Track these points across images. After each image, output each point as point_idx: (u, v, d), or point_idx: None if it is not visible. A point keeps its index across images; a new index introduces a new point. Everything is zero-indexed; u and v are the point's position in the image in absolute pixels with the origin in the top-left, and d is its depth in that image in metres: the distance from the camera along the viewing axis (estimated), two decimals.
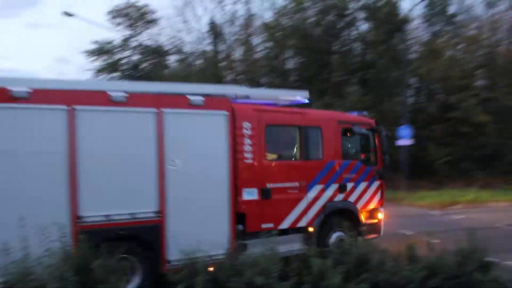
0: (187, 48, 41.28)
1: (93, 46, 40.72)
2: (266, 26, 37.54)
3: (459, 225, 18.49)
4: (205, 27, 40.21)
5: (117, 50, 40.70)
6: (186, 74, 38.50)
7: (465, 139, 34.90)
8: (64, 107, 9.11)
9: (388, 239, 12.70)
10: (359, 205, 12.99)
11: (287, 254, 10.90)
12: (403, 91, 33.24)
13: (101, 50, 40.55)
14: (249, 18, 38.68)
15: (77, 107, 9.22)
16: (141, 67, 40.27)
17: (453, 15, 42.40)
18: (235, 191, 10.90)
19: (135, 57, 41.03)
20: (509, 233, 17.82)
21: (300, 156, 12.18)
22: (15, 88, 8.76)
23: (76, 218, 9.15)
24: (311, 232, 12.10)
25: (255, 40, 38.86)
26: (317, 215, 12.25)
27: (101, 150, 9.41)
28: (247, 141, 11.25)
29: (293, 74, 37.13)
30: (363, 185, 13.10)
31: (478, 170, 33.79)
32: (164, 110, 10.04)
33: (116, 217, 9.52)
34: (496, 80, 39.84)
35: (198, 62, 40.98)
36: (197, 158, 10.40)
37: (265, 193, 11.39)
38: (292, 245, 11.62)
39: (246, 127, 11.25)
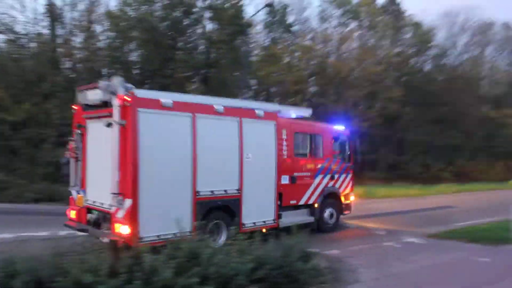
0: (19, 28, 38.80)
1: None
2: (110, 15, 36.67)
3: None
4: (42, 8, 38.08)
5: None
6: (18, 56, 36.28)
7: None
8: (190, 114, 12.95)
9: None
10: (340, 190, 18.53)
11: (302, 222, 15.06)
12: (243, 92, 34.32)
13: None
14: (92, 4, 37.51)
15: (197, 114, 13.12)
16: None
17: (291, 25, 44.64)
18: (278, 177, 15.40)
19: None
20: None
21: (310, 154, 17.46)
22: (164, 100, 12.48)
23: (195, 193, 13.01)
24: (316, 207, 17.45)
25: (98, 28, 37.77)
26: (319, 196, 17.59)
27: (208, 145, 13.23)
28: (284, 143, 16.30)
29: (136, 67, 36.69)
30: (343, 176, 18.62)
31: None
32: (243, 119, 14.35)
33: (217, 192, 13.59)
34: (325, 88, 42.61)
35: (32, 45, 38.76)
36: (258, 154, 14.74)
37: (293, 179, 16.56)
38: (305, 216, 17.05)
39: (284, 133, 16.30)
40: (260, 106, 15.28)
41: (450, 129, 48.99)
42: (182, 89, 35.51)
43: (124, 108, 11.81)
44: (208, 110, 13.52)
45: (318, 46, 43.74)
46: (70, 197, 14.04)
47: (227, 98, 15.59)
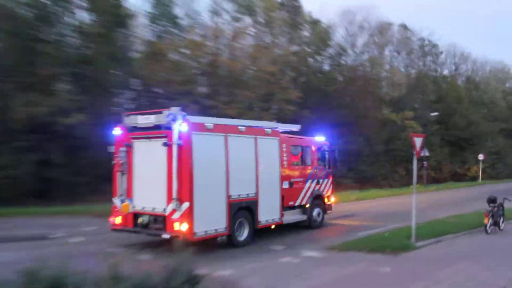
0: None
1: None
2: None
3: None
4: None
5: None
6: None
7: None
8: (223, 134, 16.74)
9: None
10: (324, 193, 22.37)
11: (299, 220, 20.72)
12: (122, 93, 29.93)
13: None
14: None
15: (228, 134, 16.88)
16: None
17: (177, 18, 40.48)
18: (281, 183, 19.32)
19: None
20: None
21: (302, 163, 21.31)
22: (207, 124, 16.25)
23: (228, 196, 16.72)
24: (307, 208, 21.22)
25: None
26: (309, 197, 21.38)
27: (235, 158, 16.99)
28: (284, 155, 19.75)
29: None
30: (325, 181, 22.52)
31: None
32: (257, 136, 18.17)
33: (242, 196, 17.27)
34: (216, 89, 38.86)
35: None
36: (268, 164, 18.52)
37: (291, 184, 20.21)
38: (300, 215, 20.93)
39: (284, 147, 19.74)
40: (266, 125, 19.15)
41: (351, 133, 46.50)
42: (47, 89, 30.50)
43: (181, 132, 15.58)
44: (235, 130, 17.33)
45: (208, 43, 39.79)
46: (113, 205, 16.98)
47: (245, 120, 19.77)
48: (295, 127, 20.98)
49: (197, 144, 15.58)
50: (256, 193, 17.88)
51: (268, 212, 18.50)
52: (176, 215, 15.35)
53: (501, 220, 20.34)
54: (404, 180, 50.07)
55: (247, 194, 17.53)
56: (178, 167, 15.31)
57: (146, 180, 16.36)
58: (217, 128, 16.47)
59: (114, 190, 17.02)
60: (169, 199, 15.47)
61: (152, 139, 16.18)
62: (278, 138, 19.23)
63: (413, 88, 62.16)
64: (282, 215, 19.20)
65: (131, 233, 16.64)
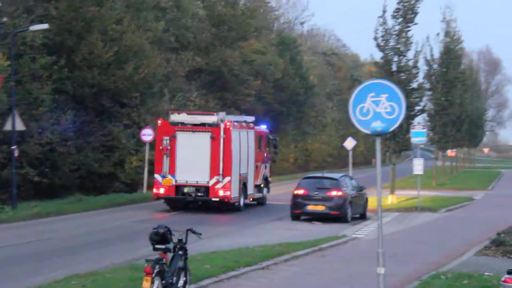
0: None
1: None
2: None
3: None
4: None
5: None
6: None
7: None
8: (239, 129, 26.79)
9: None
10: (268, 175, 30.20)
11: (259, 196, 28.70)
12: None
13: None
14: None
15: (240, 129, 26.84)
16: None
17: None
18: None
19: None
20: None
21: (259, 149, 28.70)
22: (235, 122, 26.77)
23: (240, 174, 26.39)
24: (262, 187, 29.03)
25: None
26: (263, 179, 29.08)
27: (244, 146, 26.62)
28: (255, 142, 28.01)
29: None
30: (268, 165, 30.21)
31: None
32: (248, 130, 27.62)
33: (243, 174, 26.73)
34: None
35: None
36: (250, 150, 27.17)
37: (256, 167, 28.05)
38: (260, 193, 28.81)
39: (255, 136, 28.06)
40: (248, 120, 28.65)
41: None
42: None
43: (225, 129, 25.07)
44: (243, 125, 27.50)
45: None
46: (155, 180, 25.61)
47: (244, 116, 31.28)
48: (251, 119, 29.14)
49: (233, 137, 25.63)
50: (247, 173, 27.18)
51: (251, 188, 27.65)
52: (219, 186, 25.02)
53: (183, 282, 10.93)
54: None
55: (245, 173, 26.97)
56: (223, 153, 24.95)
57: (190, 161, 25.02)
58: (238, 126, 26.84)
59: (156, 168, 25.92)
60: (213, 174, 24.94)
61: (197, 132, 25.30)
62: (253, 130, 28.42)
63: None
64: (253, 192, 28.16)
65: (173, 201, 25.91)
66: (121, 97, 32.66)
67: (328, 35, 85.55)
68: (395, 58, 30.64)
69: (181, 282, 10.68)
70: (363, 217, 26.22)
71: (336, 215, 24.35)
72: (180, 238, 10.63)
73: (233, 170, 25.07)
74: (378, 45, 30.41)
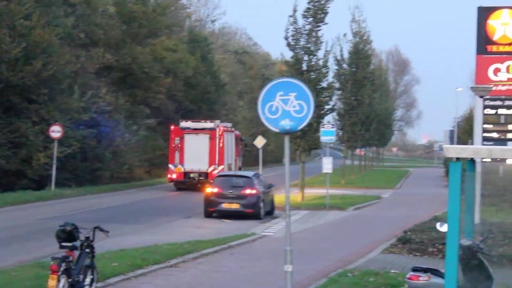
0: None
1: None
2: None
3: None
4: None
5: None
6: None
7: None
8: (229, 132, 39.99)
9: None
10: (240, 164, 42.97)
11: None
12: None
13: None
14: None
15: (227, 133, 38.83)
16: None
17: None
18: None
19: None
20: None
21: (236, 147, 41.24)
22: (226, 128, 39.07)
23: (228, 165, 39.46)
24: None
25: None
26: (238, 167, 41.61)
27: (230, 145, 39.52)
28: (235, 143, 41.08)
29: None
30: (241, 158, 43.18)
31: None
32: (230, 133, 39.66)
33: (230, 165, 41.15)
34: None
35: None
36: (233, 149, 40.21)
37: (235, 159, 40.71)
38: None
39: (235, 139, 40.93)
40: (229, 125, 40.67)
41: None
42: None
43: (219, 132, 36.75)
44: (229, 130, 39.08)
45: None
46: (169, 168, 36.95)
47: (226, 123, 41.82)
48: (230, 124, 41.47)
49: (225, 138, 36.98)
50: (231, 163, 38.99)
51: None
52: (215, 172, 34.63)
53: (90, 280, 11.05)
54: None
55: (230, 163, 38.76)
56: (218, 149, 36.29)
57: (194, 155, 36.00)
58: (228, 130, 38.78)
59: (169, 160, 36.94)
60: (210, 164, 36.08)
61: (199, 134, 36.62)
62: (234, 133, 40.52)
63: None
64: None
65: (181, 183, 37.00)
66: (29, 93, 32.78)
67: (239, 33, 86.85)
68: (305, 57, 31.13)
69: (87, 280, 10.80)
70: (270, 213, 26.93)
71: (250, 212, 25.08)
72: (87, 235, 10.77)
73: (225, 161, 36.88)
74: (288, 44, 30.95)
